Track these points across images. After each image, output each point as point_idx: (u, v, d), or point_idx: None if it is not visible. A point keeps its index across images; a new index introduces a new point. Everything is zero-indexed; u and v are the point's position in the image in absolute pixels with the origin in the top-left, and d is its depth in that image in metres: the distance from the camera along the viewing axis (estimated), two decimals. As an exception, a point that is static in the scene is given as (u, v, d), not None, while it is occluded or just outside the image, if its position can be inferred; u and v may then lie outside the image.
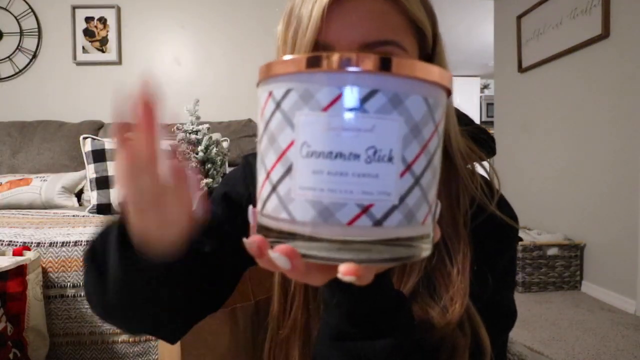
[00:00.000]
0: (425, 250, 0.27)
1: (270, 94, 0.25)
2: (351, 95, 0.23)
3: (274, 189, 0.25)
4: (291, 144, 0.24)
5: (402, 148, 0.24)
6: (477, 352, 0.40)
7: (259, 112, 0.27)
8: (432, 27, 0.44)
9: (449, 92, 0.26)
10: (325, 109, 0.23)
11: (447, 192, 0.44)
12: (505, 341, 0.51)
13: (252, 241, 0.25)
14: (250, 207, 0.29)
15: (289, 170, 0.24)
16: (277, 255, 0.24)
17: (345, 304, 0.35)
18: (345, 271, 0.23)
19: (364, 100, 0.23)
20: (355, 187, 0.23)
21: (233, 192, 0.52)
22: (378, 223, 0.24)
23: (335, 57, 0.23)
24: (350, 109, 0.23)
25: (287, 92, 0.24)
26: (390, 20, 0.40)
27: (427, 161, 0.25)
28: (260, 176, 0.26)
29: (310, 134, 0.23)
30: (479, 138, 0.52)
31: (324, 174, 0.23)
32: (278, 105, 0.25)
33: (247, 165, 0.56)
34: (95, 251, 0.36)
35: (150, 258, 0.33)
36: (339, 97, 0.23)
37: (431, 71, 0.24)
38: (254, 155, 0.50)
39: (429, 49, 0.45)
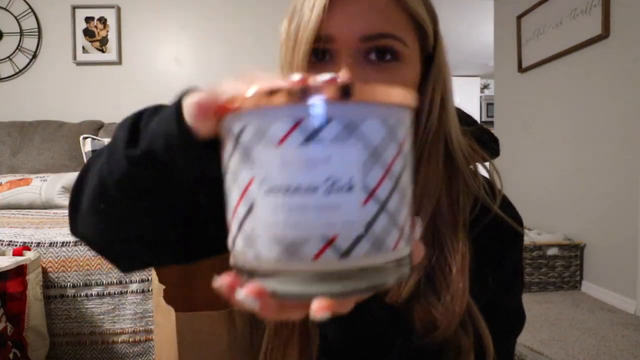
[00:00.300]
0: (402, 273, 0.26)
1: (230, 130, 0.25)
2: (303, 127, 0.22)
3: (240, 227, 0.25)
4: (251, 181, 0.24)
5: (363, 175, 0.23)
6: (480, 352, 0.40)
7: (222, 153, 0.26)
8: (433, 26, 0.44)
9: (413, 110, 0.26)
10: (280, 143, 0.22)
11: (448, 192, 0.44)
12: (514, 344, 0.51)
13: (221, 282, 0.24)
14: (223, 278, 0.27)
15: (251, 208, 0.24)
16: (244, 296, 0.23)
17: (333, 334, 0.34)
18: (317, 309, 0.22)
19: (317, 130, 0.22)
20: (317, 220, 0.22)
21: None
22: (345, 255, 0.23)
23: (287, 90, 0.22)
24: (304, 141, 0.22)
25: (244, 128, 0.24)
26: (391, 15, 0.40)
27: (392, 184, 0.24)
28: (228, 215, 0.26)
29: (268, 169, 0.23)
30: (482, 139, 0.51)
31: (284, 209, 0.23)
32: (237, 141, 0.24)
33: None
34: (138, 116, 0.36)
35: (197, 136, 0.28)
36: (291, 129, 0.22)
37: (388, 93, 0.23)
38: None
39: (430, 48, 0.45)
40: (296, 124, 0.22)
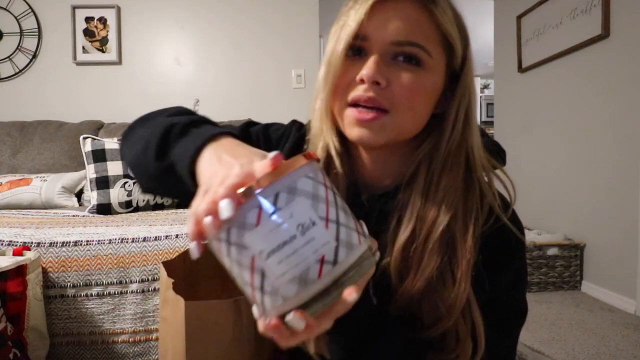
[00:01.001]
0: (376, 257, 0.36)
1: (219, 239, 0.34)
2: (265, 208, 0.32)
3: (262, 291, 0.33)
4: (253, 258, 0.33)
5: (315, 212, 0.33)
6: (474, 336, 0.47)
7: (220, 256, 0.35)
8: (463, 47, 0.50)
9: (318, 159, 0.37)
10: (257, 224, 0.32)
11: (465, 202, 0.49)
12: (517, 336, 0.56)
13: (269, 330, 0.33)
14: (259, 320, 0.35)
15: (263, 274, 0.33)
16: (291, 318, 0.32)
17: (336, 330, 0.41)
18: (348, 295, 0.32)
19: (274, 204, 0.32)
20: (307, 253, 0.32)
21: (256, 133, 0.62)
22: (335, 263, 0.33)
23: (242, 192, 0.32)
24: (271, 215, 0.32)
25: (228, 230, 0.33)
26: (422, 28, 0.46)
27: (334, 207, 0.35)
28: (248, 291, 0.34)
29: (260, 244, 0.32)
30: (491, 149, 0.55)
31: (284, 259, 0.32)
32: (229, 242, 0.33)
33: (287, 129, 0.63)
34: (170, 129, 0.48)
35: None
36: (260, 213, 0.32)
37: (298, 161, 0.34)
38: (301, 124, 0.63)
39: (457, 67, 0.50)
40: (260, 209, 0.32)
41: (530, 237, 2.54)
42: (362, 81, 0.46)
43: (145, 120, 0.57)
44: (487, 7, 3.75)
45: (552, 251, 2.43)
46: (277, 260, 0.32)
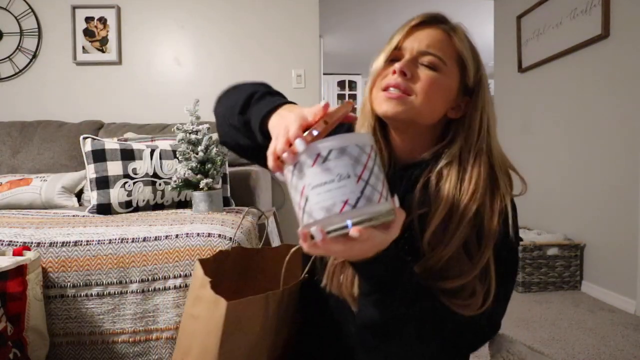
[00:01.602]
0: (389, 216, 0.49)
1: (290, 171, 0.49)
2: (321, 156, 0.47)
3: (303, 210, 0.48)
4: (304, 187, 0.48)
5: (353, 170, 0.46)
6: (487, 296, 0.60)
7: (288, 184, 0.50)
8: (475, 67, 0.67)
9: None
10: (312, 165, 0.47)
11: (491, 192, 0.63)
12: (510, 291, 0.68)
13: (299, 231, 0.48)
14: (299, 230, 0.49)
15: (307, 199, 0.47)
16: (314, 230, 0.46)
17: (361, 272, 0.56)
18: (354, 231, 0.46)
19: (326, 156, 0.46)
20: (337, 194, 0.46)
21: None
22: (354, 207, 0.46)
23: (307, 134, 0.49)
24: (323, 161, 0.46)
25: (295, 165, 0.48)
26: (442, 45, 0.65)
27: (369, 171, 0.47)
28: (296, 209, 0.50)
29: (310, 178, 0.47)
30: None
31: (321, 194, 0.46)
32: (293, 173, 0.48)
33: None
34: (252, 95, 0.69)
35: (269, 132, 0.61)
36: (316, 158, 0.47)
37: (358, 133, 0.56)
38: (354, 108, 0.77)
39: (470, 83, 0.67)
40: (318, 156, 0.47)
41: (530, 237, 2.54)
42: (394, 72, 0.64)
43: (236, 87, 0.77)
44: (487, 7, 3.75)
45: (552, 251, 2.43)
46: (317, 193, 0.46)
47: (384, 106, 0.64)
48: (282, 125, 0.52)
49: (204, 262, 0.77)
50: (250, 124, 0.65)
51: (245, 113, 0.66)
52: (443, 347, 0.62)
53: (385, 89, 0.64)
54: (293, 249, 0.80)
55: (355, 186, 0.46)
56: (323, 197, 0.46)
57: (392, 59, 0.66)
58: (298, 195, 0.48)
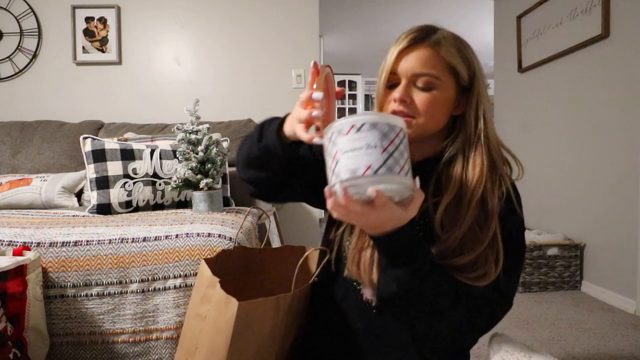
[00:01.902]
0: (406, 190, 0.55)
1: (327, 137, 0.57)
2: (354, 127, 0.54)
3: (333, 172, 0.55)
4: (336, 152, 0.55)
5: (380, 142, 0.53)
6: (497, 264, 0.66)
7: (324, 150, 0.58)
8: (467, 69, 0.73)
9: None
10: (346, 134, 0.54)
11: (490, 174, 0.71)
12: (520, 269, 0.75)
13: (326, 190, 0.56)
14: (326, 188, 0.57)
15: (337, 162, 0.54)
16: (337, 187, 0.54)
17: (380, 245, 0.63)
18: (371, 191, 0.53)
19: (359, 127, 0.54)
20: (363, 159, 0.53)
21: None
22: (375, 173, 0.52)
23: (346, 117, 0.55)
24: (356, 131, 0.54)
25: (331, 134, 0.56)
26: (432, 62, 0.70)
27: (394, 146, 0.54)
28: (328, 173, 0.57)
29: (342, 144, 0.54)
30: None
31: (350, 158, 0.53)
32: (330, 140, 0.56)
33: None
34: (262, 126, 0.74)
35: (286, 139, 0.69)
36: (350, 129, 0.54)
37: (391, 115, 0.58)
38: None
39: (465, 83, 0.73)
40: (352, 126, 0.54)
41: (530, 237, 2.54)
42: (394, 100, 0.72)
43: (245, 137, 0.83)
44: (487, 7, 3.75)
45: (552, 251, 2.43)
46: (346, 157, 0.53)
47: None
48: (294, 111, 0.65)
49: (207, 262, 0.77)
50: (269, 146, 0.71)
51: (262, 139, 0.72)
52: (459, 323, 0.66)
53: (392, 113, 0.72)
54: (308, 252, 0.81)
55: (379, 155, 0.52)
56: (350, 161, 0.53)
57: (391, 84, 0.73)
58: (331, 159, 0.56)
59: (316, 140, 0.59)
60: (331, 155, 0.56)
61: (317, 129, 0.63)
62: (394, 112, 0.71)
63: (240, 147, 0.82)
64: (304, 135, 0.61)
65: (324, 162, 0.59)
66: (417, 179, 0.56)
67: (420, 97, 0.70)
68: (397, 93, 0.71)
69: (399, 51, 0.71)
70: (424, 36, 0.71)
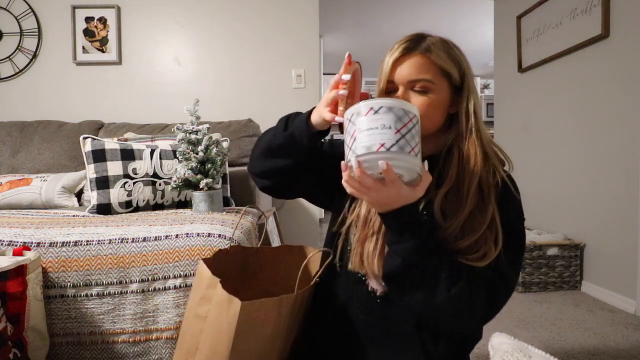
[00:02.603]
0: (415, 170, 0.61)
1: (347, 117, 0.63)
2: (372, 110, 0.60)
3: (350, 148, 0.61)
4: (355, 130, 0.61)
5: (395, 124, 0.59)
6: (497, 243, 0.71)
7: (344, 131, 0.64)
8: (458, 70, 0.77)
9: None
10: (365, 115, 0.61)
11: (484, 163, 0.75)
12: (521, 257, 0.79)
13: (342, 163, 0.63)
14: (342, 162, 0.63)
15: (354, 139, 0.61)
16: (352, 161, 0.60)
17: (388, 221, 0.68)
18: (382, 165, 0.59)
19: (377, 110, 0.60)
20: (378, 137, 0.59)
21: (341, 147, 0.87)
22: (388, 150, 0.58)
23: (365, 98, 0.69)
24: (373, 114, 0.60)
25: (351, 114, 0.62)
26: (426, 68, 0.75)
27: (407, 129, 0.60)
28: (346, 148, 0.63)
29: (361, 124, 0.61)
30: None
31: (367, 135, 0.59)
32: (349, 120, 0.63)
33: None
34: (288, 117, 0.80)
35: (314, 128, 0.75)
36: (368, 111, 0.60)
37: (407, 102, 0.63)
38: None
39: (457, 82, 0.78)
40: (370, 109, 0.60)
41: (530, 237, 2.54)
42: None
43: (265, 131, 0.86)
44: (487, 7, 3.75)
45: (552, 251, 2.43)
46: (363, 135, 0.59)
47: None
48: (321, 101, 0.73)
49: (206, 262, 0.77)
50: (295, 135, 0.77)
51: (288, 128, 0.78)
52: (458, 304, 0.68)
53: None
54: (311, 254, 0.82)
55: (393, 135, 0.58)
56: (367, 139, 0.59)
57: (389, 91, 0.79)
58: (349, 137, 0.62)
59: (337, 118, 0.66)
60: (350, 134, 0.61)
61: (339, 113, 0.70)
62: None
63: (258, 140, 0.86)
64: (327, 114, 0.69)
65: (341, 158, 0.65)
66: (426, 162, 0.63)
67: (418, 101, 0.75)
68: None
69: (393, 61, 0.76)
70: (415, 45, 0.76)
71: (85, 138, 1.61)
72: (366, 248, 0.76)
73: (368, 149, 0.58)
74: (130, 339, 1.02)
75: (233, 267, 0.89)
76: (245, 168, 1.97)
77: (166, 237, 1.08)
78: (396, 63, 0.76)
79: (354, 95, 0.75)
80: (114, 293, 1.02)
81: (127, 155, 1.59)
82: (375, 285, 0.78)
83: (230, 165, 1.79)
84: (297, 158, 0.79)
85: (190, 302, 0.81)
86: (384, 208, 0.66)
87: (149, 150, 1.62)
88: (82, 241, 1.06)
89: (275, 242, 1.65)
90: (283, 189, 0.87)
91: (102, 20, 2.55)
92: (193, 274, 1.03)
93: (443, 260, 0.68)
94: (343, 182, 0.63)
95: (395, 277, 0.70)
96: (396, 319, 0.76)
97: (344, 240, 0.82)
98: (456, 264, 0.69)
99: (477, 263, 0.69)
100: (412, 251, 0.66)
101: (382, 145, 0.58)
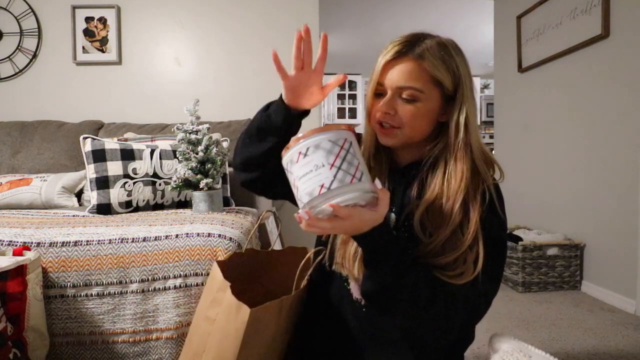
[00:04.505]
0: (367, 196, 0.59)
1: (285, 169, 0.63)
2: (302, 154, 0.59)
3: (297, 198, 0.60)
4: (294, 179, 0.60)
5: (326, 160, 0.58)
6: (477, 263, 0.68)
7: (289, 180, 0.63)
8: (452, 79, 0.74)
9: (349, 128, 0.63)
10: (297, 162, 0.60)
11: (472, 180, 0.72)
12: (502, 266, 0.77)
13: (295, 216, 0.60)
14: (295, 215, 0.61)
15: (297, 188, 0.60)
16: (302, 212, 0.58)
17: (360, 243, 0.66)
18: (328, 206, 0.57)
19: (305, 153, 0.59)
20: (316, 180, 0.57)
21: None
22: (329, 189, 0.57)
23: (291, 143, 0.61)
24: (304, 157, 0.59)
25: (287, 164, 0.62)
26: (416, 75, 0.72)
27: (341, 159, 0.58)
28: (296, 196, 0.62)
29: (296, 172, 0.60)
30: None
31: (305, 182, 0.58)
32: (288, 170, 0.62)
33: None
34: (268, 106, 0.81)
35: (291, 111, 0.77)
36: (299, 156, 0.59)
37: (330, 128, 0.60)
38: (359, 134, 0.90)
39: (450, 92, 0.74)
40: (299, 154, 0.59)
41: (530, 237, 2.54)
42: (380, 111, 0.76)
43: (243, 132, 0.87)
44: (487, 7, 3.75)
45: (552, 251, 2.43)
46: (302, 182, 0.58)
47: (382, 139, 0.78)
48: None
49: (219, 264, 0.77)
50: (271, 115, 0.78)
51: (268, 109, 0.80)
52: (437, 320, 0.67)
53: (379, 122, 0.77)
54: (308, 255, 0.82)
55: (329, 172, 0.57)
56: (306, 185, 0.58)
57: (378, 93, 0.77)
58: (293, 188, 0.61)
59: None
60: (293, 185, 0.61)
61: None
62: (379, 122, 0.76)
63: (236, 145, 0.87)
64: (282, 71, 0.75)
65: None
66: (377, 180, 0.61)
67: (404, 109, 0.73)
68: (382, 105, 0.75)
69: (384, 63, 0.74)
70: (408, 49, 0.73)
71: (85, 138, 1.61)
72: (347, 251, 0.75)
73: (310, 195, 0.57)
74: (130, 339, 1.02)
75: (244, 270, 0.90)
76: (245, 168, 1.96)
77: (166, 237, 1.08)
78: (387, 66, 0.74)
79: (307, 65, 0.77)
80: (114, 293, 1.02)
81: (127, 155, 1.59)
82: (357, 295, 0.78)
83: (230, 165, 1.79)
84: (273, 141, 0.77)
85: (201, 303, 0.81)
86: (354, 233, 0.64)
87: (149, 150, 1.62)
88: (82, 241, 1.06)
89: (275, 242, 1.65)
90: (265, 184, 0.84)
91: (102, 20, 2.55)
92: (193, 274, 1.03)
93: (419, 279, 0.66)
94: (303, 229, 0.60)
95: (372, 297, 0.68)
96: (384, 327, 0.76)
97: (332, 242, 0.81)
98: (433, 282, 0.67)
99: (454, 280, 0.67)
100: (386, 273, 0.64)
101: (322, 186, 0.56)
